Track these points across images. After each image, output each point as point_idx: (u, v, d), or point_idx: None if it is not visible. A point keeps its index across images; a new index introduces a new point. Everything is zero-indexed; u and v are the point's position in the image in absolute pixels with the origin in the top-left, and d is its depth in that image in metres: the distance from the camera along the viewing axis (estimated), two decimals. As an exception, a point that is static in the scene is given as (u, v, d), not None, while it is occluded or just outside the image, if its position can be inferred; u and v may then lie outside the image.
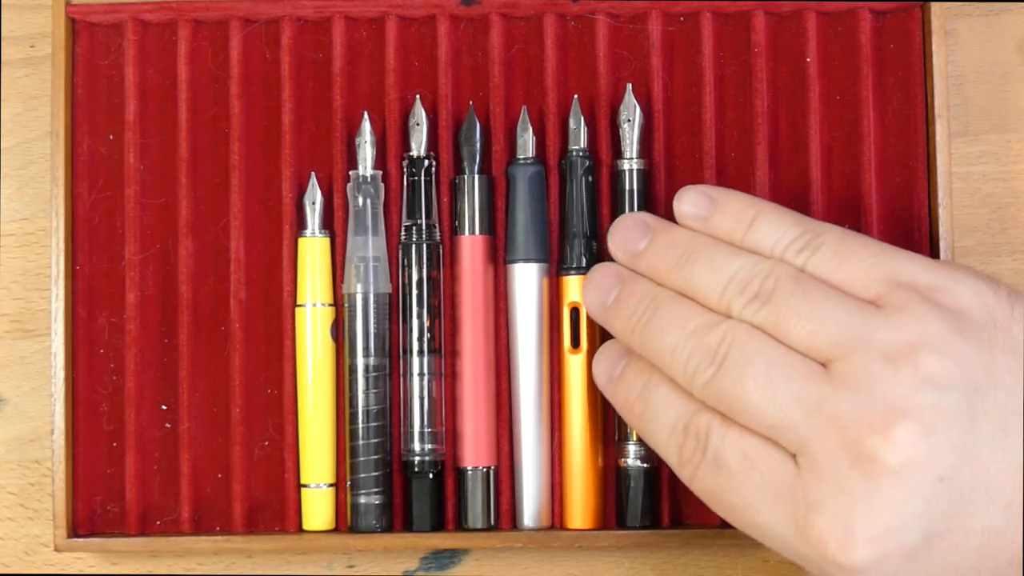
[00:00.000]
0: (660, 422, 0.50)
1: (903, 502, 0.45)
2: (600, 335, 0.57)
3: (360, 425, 0.57)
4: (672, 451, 0.49)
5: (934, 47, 0.58)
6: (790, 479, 0.46)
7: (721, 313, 0.48)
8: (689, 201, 0.51)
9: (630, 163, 0.57)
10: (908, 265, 0.48)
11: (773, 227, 0.49)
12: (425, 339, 0.57)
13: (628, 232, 0.52)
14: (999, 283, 0.48)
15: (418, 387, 0.57)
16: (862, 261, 0.48)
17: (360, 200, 0.57)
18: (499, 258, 0.58)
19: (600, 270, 0.53)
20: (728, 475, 0.47)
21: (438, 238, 0.58)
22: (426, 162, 0.58)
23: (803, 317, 0.47)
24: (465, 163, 0.58)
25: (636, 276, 0.51)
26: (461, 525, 0.57)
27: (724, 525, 0.56)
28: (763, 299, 0.47)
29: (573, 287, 0.57)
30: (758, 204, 0.50)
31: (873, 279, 0.47)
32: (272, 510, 0.58)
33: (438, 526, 0.57)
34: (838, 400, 0.45)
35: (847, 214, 0.58)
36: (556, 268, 0.58)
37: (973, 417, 0.45)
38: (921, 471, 0.45)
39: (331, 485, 0.57)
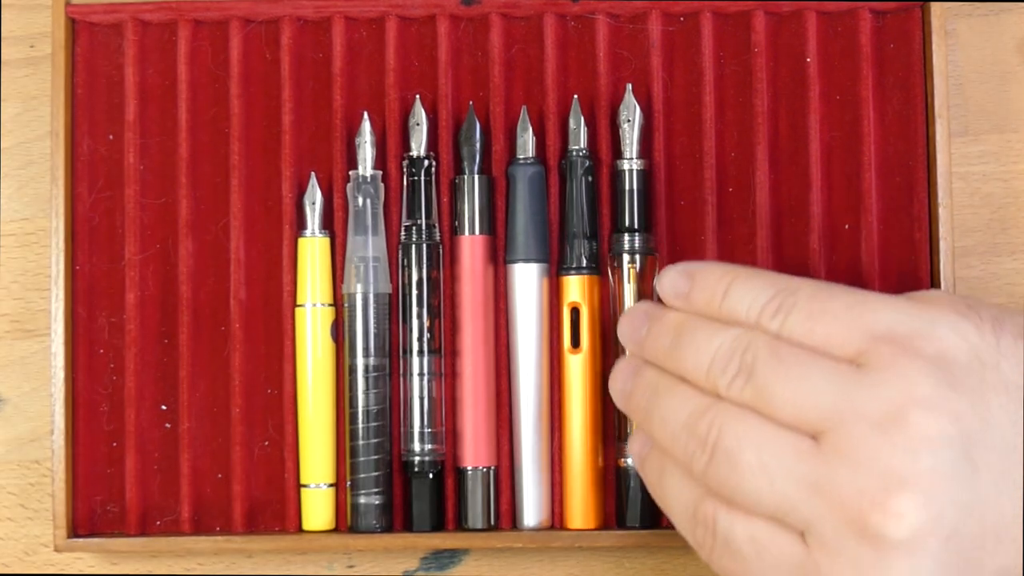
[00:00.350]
0: (674, 508, 0.49)
1: (916, 569, 0.44)
2: (600, 335, 0.58)
3: (360, 425, 0.57)
4: (688, 535, 0.49)
5: (934, 47, 0.58)
6: (801, 558, 0.45)
7: (710, 393, 0.48)
8: (668, 281, 0.50)
9: (630, 163, 0.57)
10: (884, 314, 0.46)
11: (745, 292, 0.48)
12: (425, 339, 0.57)
13: (632, 323, 0.52)
14: (981, 314, 0.46)
15: (418, 387, 0.57)
16: (837, 317, 0.46)
17: (360, 200, 0.57)
18: (499, 258, 0.58)
19: (619, 362, 0.52)
20: (742, 559, 0.47)
21: (438, 238, 0.58)
22: (426, 162, 0.58)
23: (787, 391, 0.46)
24: (465, 163, 0.58)
25: (645, 366, 0.51)
26: (461, 525, 0.57)
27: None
28: (745, 375, 0.46)
29: (573, 287, 0.57)
30: (732, 272, 0.49)
31: (851, 335, 0.46)
32: (272, 510, 0.58)
33: (438, 526, 0.57)
34: (834, 476, 0.44)
35: (847, 214, 0.58)
36: (556, 268, 0.58)
37: (973, 469, 0.44)
38: (930, 537, 0.44)
39: (331, 485, 0.57)
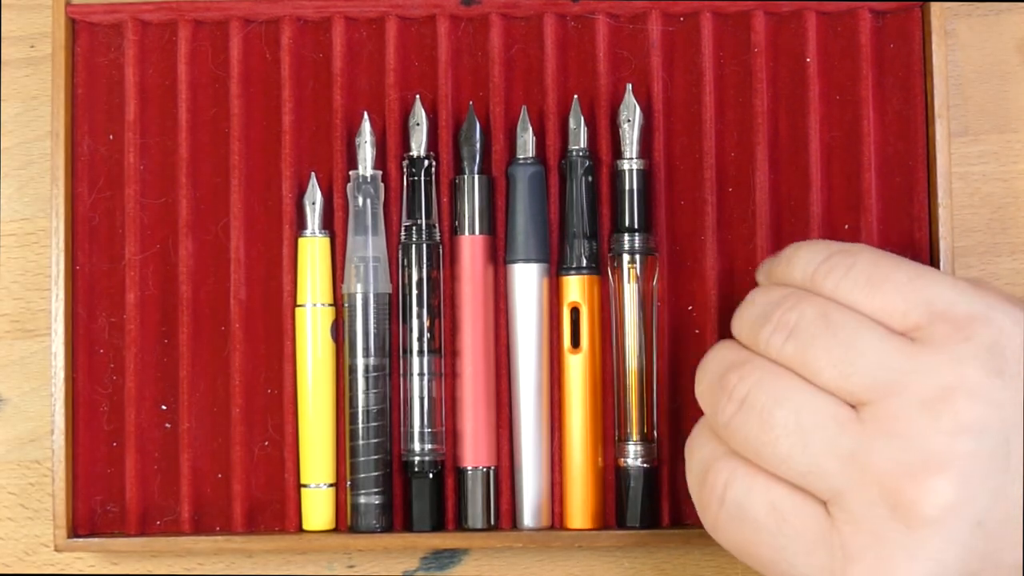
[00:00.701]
0: (691, 465, 0.49)
1: (942, 551, 0.44)
2: (600, 335, 0.58)
3: (360, 425, 0.57)
4: (694, 491, 0.49)
5: (934, 47, 0.58)
6: (824, 530, 0.45)
7: (751, 349, 0.48)
8: (764, 262, 0.52)
9: (630, 163, 0.57)
10: (946, 292, 0.46)
11: (805, 253, 0.48)
12: (425, 339, 0.57)
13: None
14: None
15: (418, 387, 0.57)
16: (899, 287, 0.46)
17: (360, 200, 0.57)
18: (499, 258, 0.58)
19: None
20: (756, 527, 0.46)
21: (438, 238, 0.58)
22: (426, 162, 0.58)
23: (834, 357, 0.45)
24: (465, 163, 0.58)
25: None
26: (461, 525, 0.57)
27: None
28: (786, 331, 0.46)
29: (573, 287, 0.57)
30: (804, 242, 0.50)
31: (911, 307, 0.46)
32: (272, 510, 0.58)
33: (438, 526, 0.57)
34: (874, 449, 0.44)
35: (847, 214, 0.58)
36: (556, 268, 0.58)
37: (1007, 457, 0.44)
38: (960, 519, 0.44)
39: (331, 485, 0.57)
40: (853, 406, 0.45)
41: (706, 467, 0.48)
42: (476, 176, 0.58)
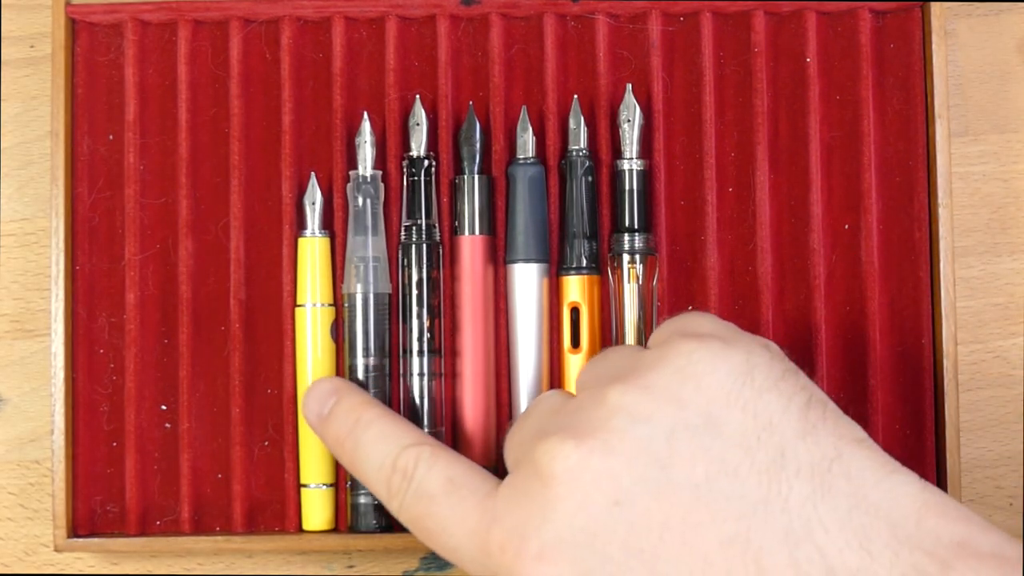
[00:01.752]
0: (370, 459, 0.50)
1: (572, 515, 0.43)
2: (600, 335, 0.57)
3: (360, 425, 0.57)
4: (382, 486, 0.50)
5: (934, 47, 0.58)
6: (488, 498, 0.46)
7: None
8: None
9: (630, 163, 0.57)
10: (702, 322, 0.47)
11: None
12: (425, 339, 0.57)
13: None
14: (783, 358, 0.46)
15: (418, 387, 0.57)
16: (668, 322, 0.48)
17: (360, 200, 0.57)
18: (499, 258, 0.58)
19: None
20: (430, 501, 0.48)
21: (438, 238, 0.58)
22: (426, 162, 0.58)
23: (592, 363, 0.50)
24: (465, 163, 0.58)
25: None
26: (461, 525, 0.57)
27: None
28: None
29: (573, 287, 0.57)
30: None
31: (665, 332, 0.47)
32: (272, 510, 0.58)
33: (438, 526, 0.57)
34: (557, 421, 0.46)
35: (847, 214, 0.58)
36: (556, 268, 0.58)
37: (670, 456, 0.43)
38: (593, 488, 0.43)
39: (331, 485, 0.57)
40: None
41: (393, 457, 0.50)
42: (476, 176, 0.58)
